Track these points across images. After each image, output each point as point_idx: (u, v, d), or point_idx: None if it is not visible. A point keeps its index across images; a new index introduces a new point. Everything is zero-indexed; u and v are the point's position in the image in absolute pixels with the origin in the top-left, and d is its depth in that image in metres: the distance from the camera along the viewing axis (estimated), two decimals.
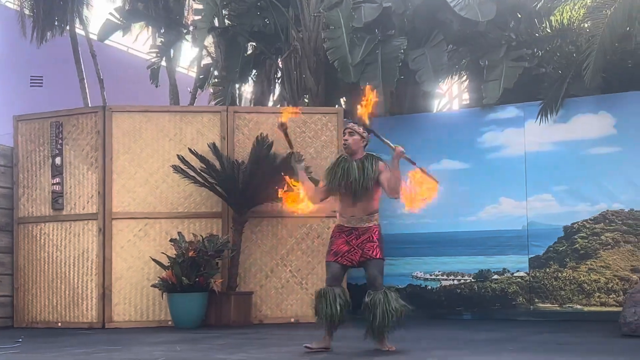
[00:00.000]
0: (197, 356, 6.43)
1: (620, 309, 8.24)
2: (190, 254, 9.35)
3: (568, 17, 11.89)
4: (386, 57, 11.13)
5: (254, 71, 14.25)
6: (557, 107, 10.21)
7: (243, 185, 9.67)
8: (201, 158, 9.67)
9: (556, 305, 10.10)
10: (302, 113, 10.57)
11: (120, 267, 9.89)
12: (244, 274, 10.12)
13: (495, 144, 10.67)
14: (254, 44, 13.63)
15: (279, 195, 7.17)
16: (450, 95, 17.00)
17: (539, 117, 10.28)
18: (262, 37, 13.23)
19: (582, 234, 10.04)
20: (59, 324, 10.00)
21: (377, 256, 6.52)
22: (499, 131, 10.66)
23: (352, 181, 6.54)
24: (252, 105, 14.98)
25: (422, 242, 10.73)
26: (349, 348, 6.88)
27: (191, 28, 13.94)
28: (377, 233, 6.60)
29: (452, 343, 7.45)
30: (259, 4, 13.25)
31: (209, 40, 15.43)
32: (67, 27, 15.62)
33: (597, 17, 9.96)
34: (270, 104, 14.99)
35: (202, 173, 9.72)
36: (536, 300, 10.22)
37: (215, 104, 13.02)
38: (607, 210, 9.94)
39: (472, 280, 10.65)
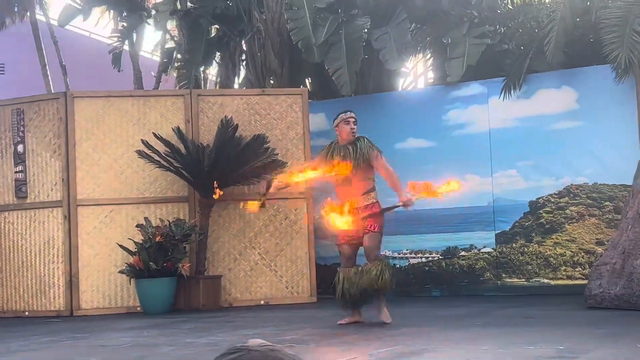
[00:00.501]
0: (165, 341, 6.42)
1: (586, 281, 8.33)
2: (158, 239, 9.31)
3: None
4: (350, 37, 11.11)
5: (218, 54, 14.15)
6: (520, 83, 10.25)
7: (209, 168, 9.63)
8: (166, 142, 9.61)
9: (523, 279, 10.18)
10: (267, 95, 10.57)
11: (86, 254, 9.82)
12: (212, 257, 10.10)
13: (460, 121, 10.70)
14: (217, 26, 13.53)
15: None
16: (415, 73, 17.00)
17: (502, 93, 10.31)
18: (225, 19, 13.13)
19: (547, 209, 10.12)
20: (27, 313, 9.92)
21: (375, 229, 7.04)
22: (464, 108, 10.69)
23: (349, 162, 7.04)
24: (217, 88, 14.90)
25: (389, 221, 10.67)
26: (317, 327, 6.90)
27: (153, 11, 13.79)
28: (376, 209, 7.11)
29: (421, 320, 7.50)
30: None
31: (172, 24, 15.30)
32: (28, 13, 15.39)
33: None
34: (236, 86, 14.90)
35: (167, 157, 9.66)
36: (503, 275, 10.30)
37: (180, 88, 12.92)
38: (572, 185, 10.02)
39: (440, 257, 10.71)
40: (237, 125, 9.72)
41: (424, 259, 10.79)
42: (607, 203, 9.81)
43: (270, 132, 10.22)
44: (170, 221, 9.54)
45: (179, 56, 14.17)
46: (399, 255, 10.92)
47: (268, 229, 10.25)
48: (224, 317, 8.50)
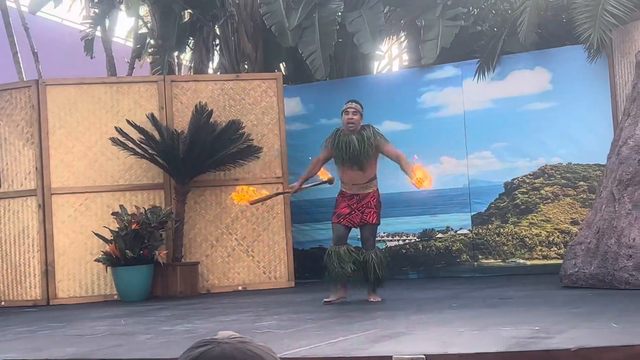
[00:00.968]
0: (142, 329, 6.40)
1: (561, 261, 8.39)
2: (133, 226, 9.27)
3: None
4: (323, 20, 11.08)
5: (191, 39, 14.06)
6: (493, 64, 10.28)
7: (184, 155, 9.59)
8: (140, 129, 9.55)
9: (499, 260, 10.25)
10: (241, 80, 10.53)
11: (62, 243, 9.76)
12: (189, 244, 10.07)
13: (434, 104, 10.72)
14: (190, 11, 13.43)
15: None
16: (390, 56, 16.99)
17: (476, 75, 10.34)
18: (198, 4, 13.03)
19: (522, 190, 10.17)
20: (3, 303, 9.84)
21: (373, 221, 7.48)
22: (438, 91, 10.71)
23: (354, 154, 7.40)
24: (191, 74, 14.81)
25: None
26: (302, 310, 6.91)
27: None
28: (375, 199, 7.50)
29: (398, 303, 7.53)
30: None
31: (145, 9, 15.17)
32: None
33: None
34: (210, 71, 14.82)
35: (142, 144, 9.61)
36: (480, 256, 10.36)
37: (153, 74, 12.84)
38: (546, 165, 10.08)
39: (417, 239, 10.74)
40: (211, 110, 9.68)
41: (400, 242, 10.82)
42: (581, 183, 9.88)
43: (245, 118, 10.19)
44: (146, 208, 9.51)
45: (151, 42, 14.07)
46: (377, 238, 10.90)
47: (245, 215, 10.23)
48: (202, 303, 8.49)
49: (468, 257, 10.43)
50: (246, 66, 12.50)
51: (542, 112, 10.08)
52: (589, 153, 9.77)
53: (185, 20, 13.69)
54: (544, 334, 4.65)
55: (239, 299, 8.91)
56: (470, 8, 11.54)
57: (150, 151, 9.66)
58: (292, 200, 10.36)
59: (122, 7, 14.02)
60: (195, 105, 9.66)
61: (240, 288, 10.09)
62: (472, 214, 10.41)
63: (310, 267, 11.08)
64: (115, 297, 9.60)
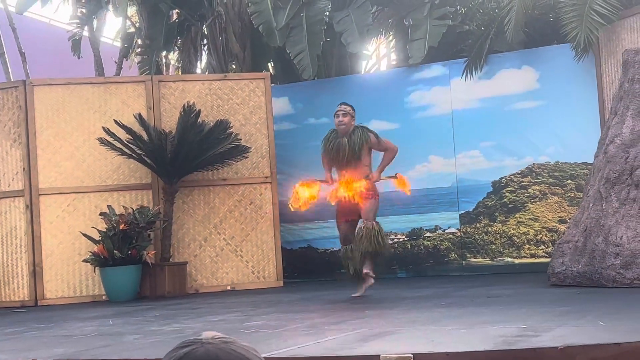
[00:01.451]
0: (130, 329, 6.38)
1: (549, 259, 8.42)
2: (121, 227, 9.25)
3: None
4: (311, 20, 11.08)
5: (179, 39, 14.03)
6: (481, 63, 10.30)
7: (172, 155, 9.57)
8: (127, 129, 9.52)
9: (488, 259, 10.27)
10: (229, 79, 10.52)
11: (50, 244, 9.73)
12: (178, 244, 10.06)
13: (422, 103, 10.74)
14: (177, 10, 13.41)
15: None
16: (378, 55, 17.01)
17: (464, 74, 10.37)
18: (185, 4, 13.01)
19: (510, 188, 10.20)
20: None
21: (370, 197, 7.67)
22: (426, 90, 10.72)
23: (344, 156, 7.69)
24: (179, 74, 14.78)
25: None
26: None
27: None
28: (366, 184, 7.70)
29: (386, 302, 7.54)
30: None
31: (133, 9, 15.14)
32: None
33: None
34: (199, 71, 14.80)
35: (130, 144, 9.59)
36: (468, 255, 10.38)
37: (141, 74, 12.81)
38: (534, 164, 10.11)
39: (405, 238, 10.76)
40: (199, 110, 9.67)
41: (389, 241, 10.80)
42: (569, 181, 9.91)
43: (233, 117, 10.18)
44: (134, 209, 9.48)
45: (139, 42, 14.04)
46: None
47: (233, 215, 10.23)
48: (190, 303, 8.48)
49: (456, 255, 10.45)
50: (234, 66, 12.49)
51: (529, 111, 10.11)
52: (577, 151, 9.81)
53: (173, 20, 13.67)
54: (532, 332, 4.66)
55: (227, 298, 8.90)
56: (458, 7, 11.57)
57: (138, 151, 9.64)
58: (281, 199, 10.36)
59: (110, 7, 14.00)
60: (183, 105, 9.65)
61: (228, 288, 10.08)
62: (460, 212, 10.43)
63: (299, 267, 11.10)
64: (104, 297, 9.58)
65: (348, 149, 7.71)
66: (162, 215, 9.68)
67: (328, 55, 12.00)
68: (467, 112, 10.43)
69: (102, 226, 9.35)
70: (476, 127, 10.34)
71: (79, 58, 13.50)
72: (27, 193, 9.71)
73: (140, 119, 9.66)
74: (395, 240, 10.79)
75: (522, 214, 10.13)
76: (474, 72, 10.33)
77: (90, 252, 9.35)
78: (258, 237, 10.28)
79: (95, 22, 14.51)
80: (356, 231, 7.66)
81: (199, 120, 9.66)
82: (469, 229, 10.39)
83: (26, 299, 9.67)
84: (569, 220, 9.15)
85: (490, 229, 10.27)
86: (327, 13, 11.13)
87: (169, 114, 10.11)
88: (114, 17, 15.60)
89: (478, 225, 10.33)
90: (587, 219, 7.69)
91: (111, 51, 17.25)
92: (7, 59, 14.87)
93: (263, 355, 1.54)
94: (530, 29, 10.61)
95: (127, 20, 14.53)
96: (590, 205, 7.71)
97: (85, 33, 14.13)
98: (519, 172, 10.16)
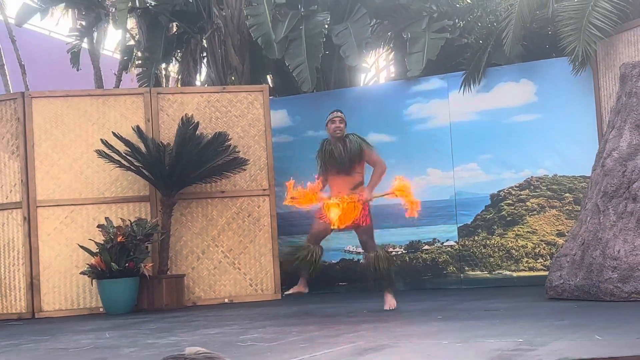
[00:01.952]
0: (126, 342, 6.37)
1: (547, 273, 8.40)
2: (119, 239, 9.25)
3: None
4: (310, 32, 11.09)
5: (179, 51, 14.07)
6: (479, 76, 10.32)
7: (170, 167, 9.57)
8: (126, 142, 9.53)
9: (486, 272, 10.25)
10: (228, 92, 10.53)
11: (47, 256, 9.72)
12: (175, 256, 10.04)
13: (421, 116, 10.74)
14: (177, 23, 13.45)
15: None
16: (377, 68, 17.04)
17: (462, 87, 10.38)
18: (185, 16, 13.05)
19: (508, 201, 10.20)
20: None
21: (365, 224, 7.73)
22: (424, 103, 10.73)
23: (340, 160, 7.71)
24: (179, 86, 14.81)
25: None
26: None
27: (112, 9, 13.67)
28: (361, 203, 7.66)
29: (383, 315, 7.52)
30: None
31: (133, 22, 15.17)
32: None
33: None
34: (198, 83, 14.84)
35: (128, 157, 9.59)
36: (466, 268, 10.37)
37: (140, 86, 12.83)
38: (532, 177, 10.11)
39: (404, 251, 10.74)
40: (197, 123, 9.67)
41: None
42: (567, 195, 9.91)
43: (232, 130, 10.19)
44: (132, 221, 9.48)
45: (139, 54, 14.07)
46: (363, 251, 10.90)
47: (231, 227, 10.22)
48: (187, 316, 8.46)
49: (454, 268, 10.44)
50: (233, 78, 12.50)
51: (527, 124, 10.12)
52: (575, 165, 9.81)
53: (173, 32, 13.71)
54: (528, 346, 4.65)
55: (224, 311, 8.88)
56: (456, 20, 11.59)
57: (136, 163, 9.64)
58: (279, 212, 10.36)
59: (110, 19, 14.05)
60: (182, 118, 9.65)
61: (226, 300, 10.07)
62: (459, 225, 10.42)
63: (297, 279, 11.04)
64: (101, 310, 9.57)
65: (344, 154, 7.76)
66: (160, 228, 9.67)
67: (327, 68, 12.02)
68: (465, 125, 10.43)
69: (100, 238, 9.34)
70: (474, 140, 10.34)
71: (77, 70, 13.53)
72: (25, 205, 9.71)
73: (138, 131, 9.66)
74: (394, 252, 10.77)
75: (521, 227, 10.12)
76: (472, 85, 10.35)
77: (88, 264, 9.33)
78: (256, 250, 10.27)
79: (95, 35, 14.56)
80: (363, 261, 7.85)
81: (197, 132, 9.67)
82: (467, 242, 10.37)
83: (23, 311, 9.65)
84: (567, 234, 9.14)
85: (488, 242, 10.26)
86: (326, 26, 11.16)
87: (167, 126, 10.12)
88: (114, 29, 15.64)
89: (476, 238, 10.32)
90: (584, 232, 7.68)
91: (112, 63, 17.29)
92: (6, 71, 14.91)
93: None
94: (529, 42, 10.63)
95: (127, 32, 14.56)
96: (588, 218, 7.70)
97: (85, 45, 14.17)
98: (517, 185, 10.16)
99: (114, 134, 9.58)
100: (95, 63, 14.61)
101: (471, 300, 8.47)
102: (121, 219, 9.55)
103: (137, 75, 13.66)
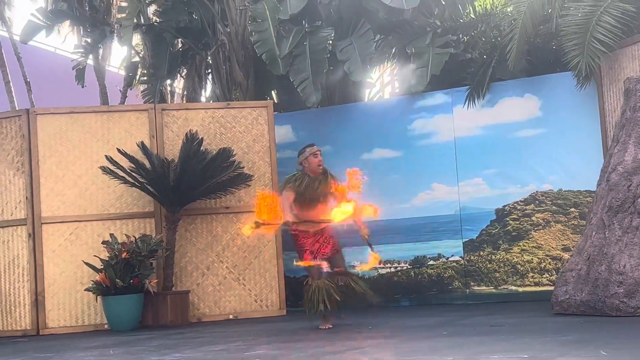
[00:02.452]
0: (130, 359, 6.35)
1: (553, 288, 8.37)
2: (124, 255, 9.24)
3: (491, 2, 12.08)
4: (314, 48, 11.11)
5: (183, 67, 14.11)
6: (483, 91, 10.32)
7: (174, 183, 9.57)
8: (130, 158, 9.54)
9: (491, 287, 10.22)
10: (232, 108, 10.54)
11: (52, 272, 9.72)
12: (180, 272, 10.03)
13: (425, 131, 10.74)
14: (182, 39, 13.49)
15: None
16: (382, 83, 17.06)
17: (467, 102, 10.38)
18: (189, 33, 13.10)
19: (513, 216, 10.17)
20: None
21: (340, 249, 8.14)
22: (429, 118, 10.73)
23: (321, 192, 7.97)
24: (184, 102, 14.85)
25: (357, 232, 10.65)
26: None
27: (116, 26, 13.72)
28: (331, 230, 7.98)
29: (389, 331, 7.50)
30: None
31: (138, 38, 15.23)
32: None
33: (519, 0, 10.08)
34: (203, 99, 14.87)
35: (132, 173, 9.59)
36: (472, 283, 10.33)
37: (144, 102, 12.86)
38: (537, 192, 10.09)
39: (409, 267, 10.72)
40: (202, 139, 9.68)
41: (392, 269, 10.79)
42: (572, 209, 9.88)
43: (236, 145, 10.20)
44: (137, 237, 9.47)
45: (144, 70, 14.12)
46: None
47: (236, 243, 10.21)
48: (192, 332, 8.44)
49: (460, 284, 10.40)
50: (238, 94, 12.53)
51: (532, 139, 10.11)
52: (580, 179, 9.79)
53: (177, 49, 13.75)
54: None
55: (229, 327, 8.86)
56: (460, 35, 11.60)
57: (140, 179, 9.64)
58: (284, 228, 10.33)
59: (115, 36, 14.09)
60: (186, 134, 9.67)
61: (231, 316, 10.05)
62: (464, 240, 10.40)
63: (302, 295, 11.02)
64: (106, 326, 9.55)
65: (324, 185, 8.01)
66: (165, 244, 9.67)
67: (331, 84, 12.03)
68: (469, 139, 10.43)
69: (105, 255, 9.34)
70: (479, 155, 10.33)
71: (83, 87, 13.57)
72: (30, 222, 9.71)
73: (143, 147, 9.68)
74: (399, 268, 10.76)
75: (526, 242, 10.09)
76: (476, 100, 10.35)
77: (93, 280, 9.32)
78: (261, 266, 10.25)
79: (100, 51, 14.62)
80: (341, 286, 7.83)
81: (201, 148, 9.68)
82: (472, 257, 10.34)
83: (28, 328, 9.64)
84: (572, 248, 9.12)
85: (494, 257, 10.23)
86: (330, 42, 11.17)
87: (171, 142, 10.13)
88: (119, 46, 15.69)
89: (482, 253, 10.29)
90: (590, 247, 7.65)
91: (117, 80, 17.35)
92: (12, 88, 14.97)
93: None
94: (533, 57, 10.64)
95: (132, 49, 14.61)
96: (593, 233, 7.68)
97: (91, 62, 14.22)
98: (523, 200, 10.14)
99: (118, 150, 9.60)
100: (100, 80, 14.66)
101: (477, 315, 8.44)
102: (126, 235, 9.55)
103: (142, 91, 13.71)
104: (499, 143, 10.26)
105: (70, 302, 9.73)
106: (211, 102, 13.64)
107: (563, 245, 9.90)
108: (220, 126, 10.36)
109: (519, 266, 10.09)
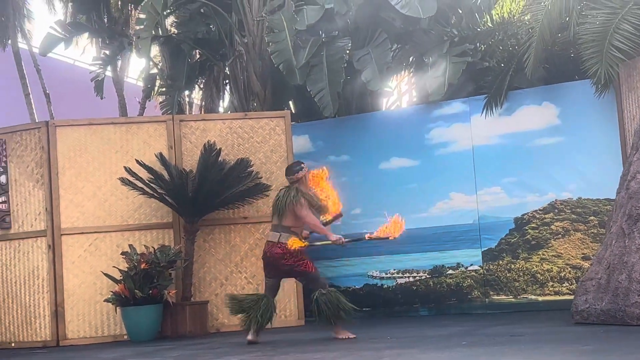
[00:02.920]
0: None
1: (573, 297, 8.31)
2: (143, 266, 9.27)
3: (508, 10, 12.04)
4: (331, 58, 11.14)
5: (201, 78, 14.17)
6: (501, 100, 10.30)
7: (193, 193, 9.60)
8: (149, 169, 9.58)
9: (511, 296, 10.17)
10: (250, 118, 10.57)
11: (72, 284, 9.77)
12: (199, 283, 10.05)
13: (443, 140, 10.72)
14: (199, 50, 13.56)
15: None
16: (399, 92, 17.06)
17: (484, 110, 10.36)
18: (207, 44, 13.17)
19: (532, 225, 10.12)
20: (13, 344, 9.82)
21: (313, 270, 8.11)
22: (446, 127, 10.71)
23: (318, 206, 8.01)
24: (202, 113, 14.91)
25: (376, 241, 10.61)
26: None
27: (134, 38, 13.82)
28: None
29: (407, 340, 7.47)
30: (202, 10, 13.19)
31: (156, 50, 15.33)
32: (10, 42, 15.40)
33: (536, 9, 10.06)
34: (221, 109, 14.94)
35: (151, 184, 9.63)
36: (491, 292, 10.29)
37: (163, 113, 12.92)
38: (556, 200, 10.04)
39: (427, 276, 10.68)
40: (220, 149, 9.71)
41: (411, 278, 10.76)
42: (591, 218, 9.83)
43: (254, 156, 10.22)
44: (155, 248, 9.51)
45: (162, 82, 14.20)
46: (387, 275, 10.90)
47: (254, 253, 10.21)
48: (211, 343, 8.45)
49: (479, 293, 10.36)
50: (255, 104, 12.57)
51: (550, 147, 10.07)
52: (599, 187, 9.73)
53: (195, 60, 13.82)
54: None
55: None
56: (477, 44, 11.58)
57: (159, 190, 9.68)
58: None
59: (133, 48, 14.20)
60: (204, 144, 9.70)
61: None
62: (483, 249, 10.35)
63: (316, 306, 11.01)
64: (125, 337, 9.57)
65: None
66: (183, 254, 9.69)
67: (348, 93, 12.05)
68: (487, 148, 10.40)
69: (124, 266, 9.37)
70: (497, 164, 10.30)
71: (101, 99, 13.66)
72: (50, 233, 9.77)
73: (161, 158, 9.71)
74: (417, 277, 10.73)
75: (545, 251, 10.04)
76: (494, 109, 10.32)
77: (112, 291, 9.36)
78: None
79: (119, 63, 14.73)
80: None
81: (219, 159, 9.70)
82: (491, 266, 10.30)
83: (48, 339, 9.68)
84: (592, 257, 9.06)
85: (513, 266, 10.18)
86: (347, 51, 11.20)
87: (190, 153, 10.17)
88: (137, 57, 15.80)
89: (501, 262, 10.25)
90: (610, 255, 7.60)
91: (135, 91, 17.47)
92: (31, 100, 15.10)
93: None
94: (550, 65, 10.60)
95: (150, 61, 14.71)
96: (613, 242, 7.62)
97: (109, 73, 14.32)
98: (541, 208, 10.09)
99: (137, 161, 9.64)
100: (118, 91, 14.77)
101: (496, 325, 8.40)
102: (145, 246, 9.59)
103: (160, 102, 13.78)
104: (517, 151, 10.22)
105: (90, 313, 9.77)
106: (229, 112, 13.70)
107: (583, 254, 9.84)
108: (238, 137, 10.39)
109: (538, 275, 10.04)
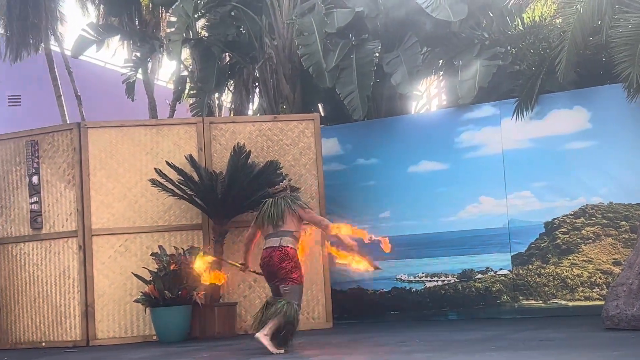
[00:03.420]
0: None
1: (604, 302, 8.24)
2: (172, 267, 9.32)
3: (540, 13, 11.97)
4: (361, 61, 11.14)
5: (231, 81, 14.23)
6: (532, 103, 10.24)
7: (222, 195, 9.64)
8: (179, 170, 9.63)
9: (540, 301, 10.10)
10: (279, 121, 10.60)
11: (102, 284, 9.84)
12: (227, 285, 10.06)
13: (473, 143, 10.68)
14: (229, 53, 13.61)
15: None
16: (429, 95, 17.00)
17: (515, 114, 10.30)
18: (237, 46, 13.22)
19: (563, 229, 10.05)
20: (43, 344, 9.92)
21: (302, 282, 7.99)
22: (476, 130, 10.67)
23: None
24: (232, 115, 14.96)
25: (404, 245, 10.62)
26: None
27: (165, 41, 13.90)
28: None
29: (436, 344, 7.44)
30: (232, 13, 13.24)
31: (187, 52, 15.41)
32: (42, 45, 15.56)
33: (568, 12, 9.99)
34: (251, 112, 14.99)
35: (181, 185, 9.68)
36: (520, 297, 10.22)
37: (193, 116, 12.99)
38: (587, 205, 9.95)
39: (456, 280, 10.64)
40: (249, 151, 9.74)
41: (440, 282, 10.72)
42: (623, 222, 9.74)
43: (283, 158, 10.24)
44: (185, 249, 9.55)
45: (192, 84, 14.27)
46: (415, 279, 10.87)
47: None
48: (239, 344, 8.47)
49: (508, 298, 10.30)
50: (284, 107, 12.60)
51: (581, 151, 9.99)
52: (631, 192, 9.65)
53: (225, 62, 13.87)
54: None
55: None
56: (508, 47, 11.52)
57: (189, 192, 9.73)
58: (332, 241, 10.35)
59: (164, 51, 14.29)
60: (234, 147, 9.73)
61: None
62: (512, 254, 10.29)
63: (348, 308, 11.03)
64: (154, 337, 9.62)
65: None
66: None
67: (378, 96, 12.03)
68: (518, 152, 10.34)
69: (154, 267, 9.43)
70: (527, 168, 10.24)
71: (132, 101, 13.75)
72: (81, 234, 9.85)
73: (191, 160, 9.76)
74: (446, 281, 10.69)
75: (576, 256, 9.96)
76: (525, 112, 10.27)
77: (142, 292, 9.41)
78: (308, 278, 10.17)
79: (149, 65, 14.82)
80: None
81: (249, 161, 9.73)
82: (521, 271, 10.23)
83: (78, 339, 9.75)
84: (623, 262, 8.97)
85: (543, 270, 10.11)
86: (377, 54, 11.18)
87: (219, 155, 10.21)
88: (168, 60, 15.89)
89: (530, 267, 10.18)
90: None
91: (166, 93, 17.58)
92: (63, 102, 15.24)
93: None
94: (582, 68, 10.52)
95: (181, 63, 14.79)
96: None
97: (140, 76, 14.41)
98: (572, 213, 10.01)
99: (167, 163, 9.69)
100: (149, 93, 14.87)
101: (525, 330, 8.35)
102: (174, 247, 9.64)
103: (191, 105, 13.84)
104: (548, 155, 10.15)
105: (120, 313, 9.83)
106: (258, 115, 13.74)
107: (614, 259, 9.75)
108: (267, 139, 10.41)
109: (568, 280, 9.96)
